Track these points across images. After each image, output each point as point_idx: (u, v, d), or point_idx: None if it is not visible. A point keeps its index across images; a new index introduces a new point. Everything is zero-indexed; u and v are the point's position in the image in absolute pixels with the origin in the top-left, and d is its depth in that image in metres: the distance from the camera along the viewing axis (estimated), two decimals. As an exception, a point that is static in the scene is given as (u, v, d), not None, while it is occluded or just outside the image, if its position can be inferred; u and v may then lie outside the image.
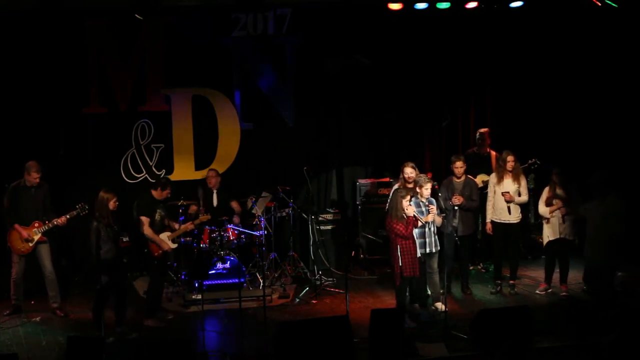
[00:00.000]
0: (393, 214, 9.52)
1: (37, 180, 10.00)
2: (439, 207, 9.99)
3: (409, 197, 9.53)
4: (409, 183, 10.13)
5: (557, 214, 10.41)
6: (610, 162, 11.62)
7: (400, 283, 9.55)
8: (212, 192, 11.43)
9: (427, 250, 9.89)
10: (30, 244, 9.97)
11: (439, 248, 9.99)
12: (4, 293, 10.48)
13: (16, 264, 10.05)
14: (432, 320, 9.61)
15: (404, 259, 9.45)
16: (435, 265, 10.05)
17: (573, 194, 10.37)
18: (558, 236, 10.45)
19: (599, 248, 9.57)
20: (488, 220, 10.71)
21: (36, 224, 9.97)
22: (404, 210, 9.46)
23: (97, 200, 9.26)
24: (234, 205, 11.49)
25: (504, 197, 10.44)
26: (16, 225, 9.95)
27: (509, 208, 10.49)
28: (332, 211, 12.28)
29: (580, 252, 10.26)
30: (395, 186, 10.20)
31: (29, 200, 10.00)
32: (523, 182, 10.60)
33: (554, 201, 10.42)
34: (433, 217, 9.75)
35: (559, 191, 10.42)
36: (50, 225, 9.95)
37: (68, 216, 9.92)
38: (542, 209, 10.54)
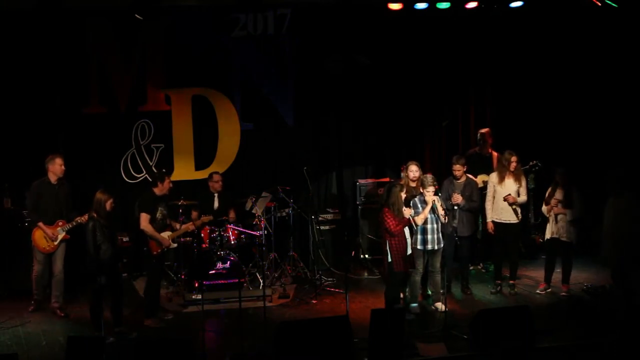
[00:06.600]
0: (392, 208, 9.50)
1: (63, 167, 9.94)
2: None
3: (405, 192, 9.55)
4: (413, 182, 10.12)
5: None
6: (613, 161, 11.62)
7: (391, 278, 9.57)
8: (214, 195, 11.42)
9: (430, 247, 9.89)
10: (55, 243, 9.94)
11: (442, 245, 9.97)
12: (14, 288, 10.52)
13: (38, 262, 10.02)
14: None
15: (393, 255, 9.46)
16: (438, 264, 10.02)
17: (574, 195, 10.37)
18: (552, 235, 10.47)
19: (613, 246, 9.52)
20: (489, 219, 10.71)
21: (60, 223, 9.94)
22: (402, 206, 9.47)
23: (94, 201, 9.27)
24: (231, 214, 11.37)
25: (507, 200, 10.42)
26: (40, 224, 9.89)
27: (514, 210, 10.48)
28: (332, 211, 12.28)
29: (580, 253, 10.21)
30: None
31: (52, 198, 9.95)
32: (523, 182, 10.60)
33: (551, 200, 10.43)
34: (432, 198, 9.62)
35: (557, 191, 10.42)
36: (73, 223, 9.90)
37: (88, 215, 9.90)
38: (543, 207, 10.59)
